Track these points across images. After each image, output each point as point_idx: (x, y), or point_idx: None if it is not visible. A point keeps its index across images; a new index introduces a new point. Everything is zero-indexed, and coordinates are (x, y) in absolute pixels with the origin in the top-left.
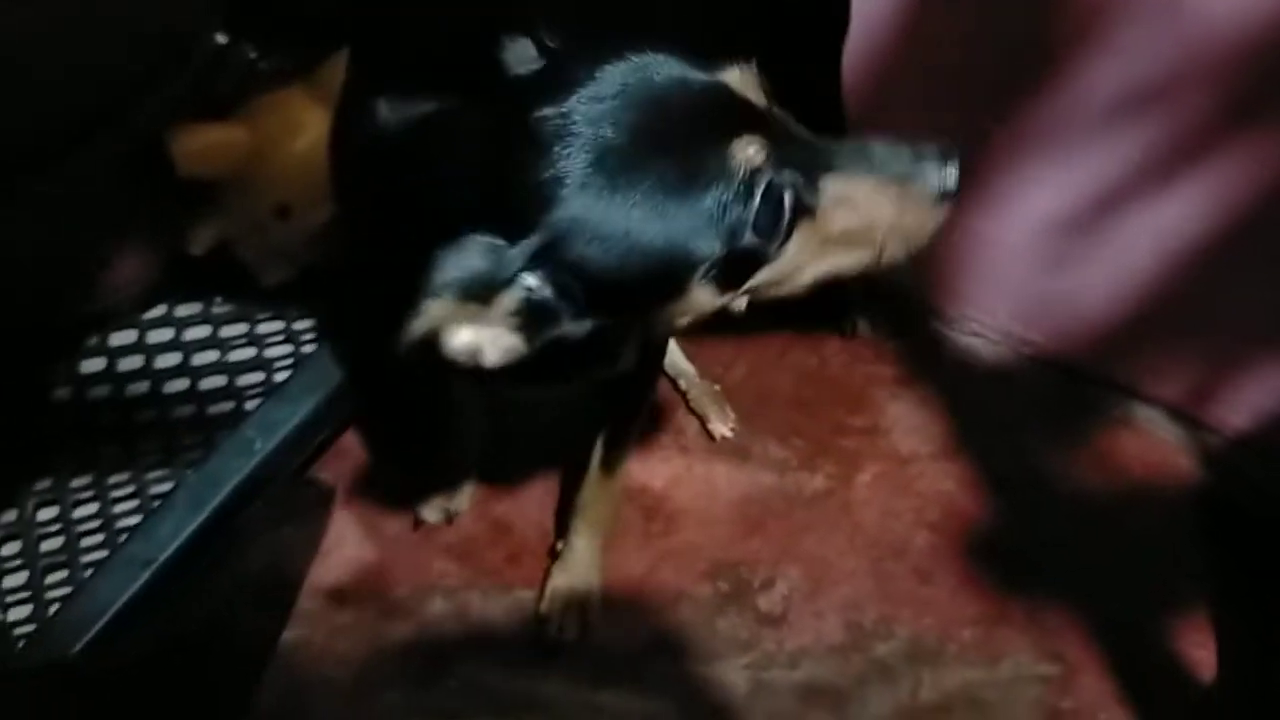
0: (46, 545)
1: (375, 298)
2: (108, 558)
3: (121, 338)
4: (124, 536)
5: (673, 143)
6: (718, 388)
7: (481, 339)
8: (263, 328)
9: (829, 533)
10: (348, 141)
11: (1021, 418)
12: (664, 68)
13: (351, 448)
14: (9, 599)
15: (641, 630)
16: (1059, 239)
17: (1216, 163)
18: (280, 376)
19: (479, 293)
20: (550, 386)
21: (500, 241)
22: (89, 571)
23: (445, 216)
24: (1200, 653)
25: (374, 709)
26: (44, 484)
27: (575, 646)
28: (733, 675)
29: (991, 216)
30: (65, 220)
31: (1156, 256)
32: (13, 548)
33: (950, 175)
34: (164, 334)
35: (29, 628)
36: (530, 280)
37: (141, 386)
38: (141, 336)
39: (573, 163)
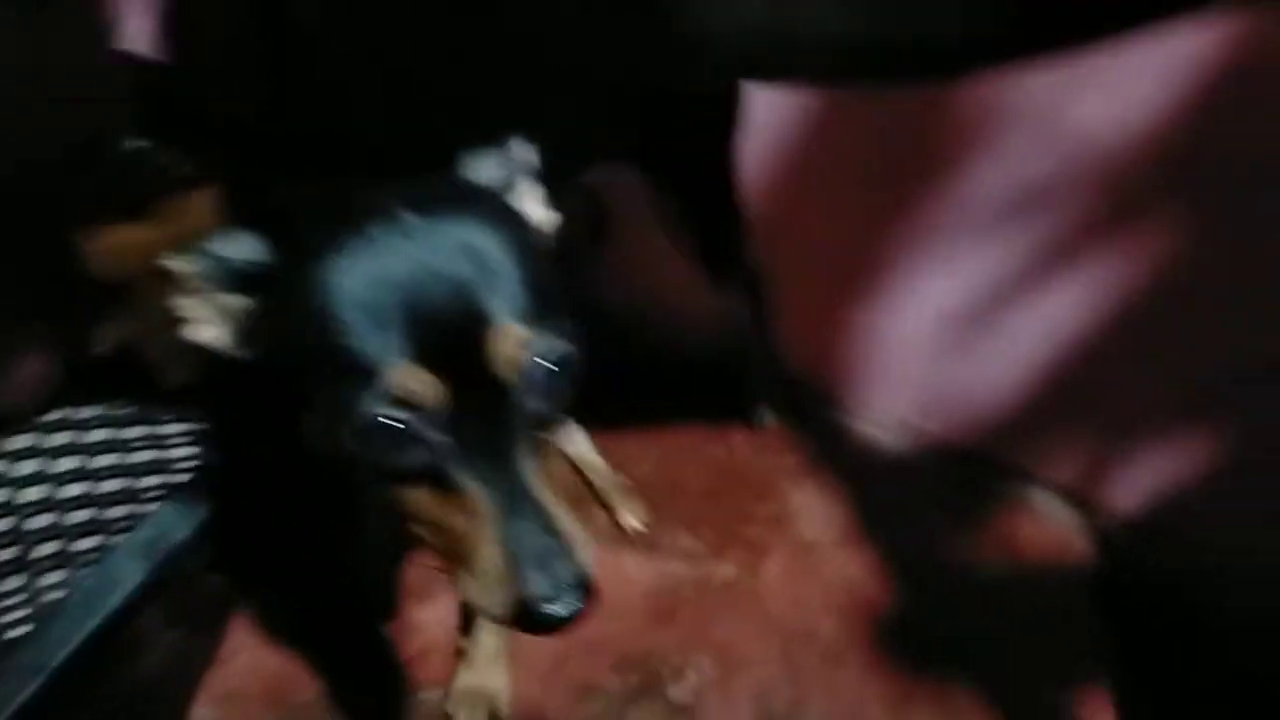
0: None
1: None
2: None
3: (18, 442)
4: (12, 646)
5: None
6: (627, 481)
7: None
8: (165, 429)
9: (739, 620)
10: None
11: (922, 503)
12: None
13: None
14: None
15: None
16: (953, 332)
17: (1096, 259)
18: (182, 478)
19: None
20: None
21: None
22: None
23: None
24: None
25: None
26: None
27: None
28: None
29: (887, 311)
30: None
31: (1044, 347)
32: None
33: (553, 612)
34: (62, 437)
35: None
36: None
37: (37, 491)
38: (39, 439)
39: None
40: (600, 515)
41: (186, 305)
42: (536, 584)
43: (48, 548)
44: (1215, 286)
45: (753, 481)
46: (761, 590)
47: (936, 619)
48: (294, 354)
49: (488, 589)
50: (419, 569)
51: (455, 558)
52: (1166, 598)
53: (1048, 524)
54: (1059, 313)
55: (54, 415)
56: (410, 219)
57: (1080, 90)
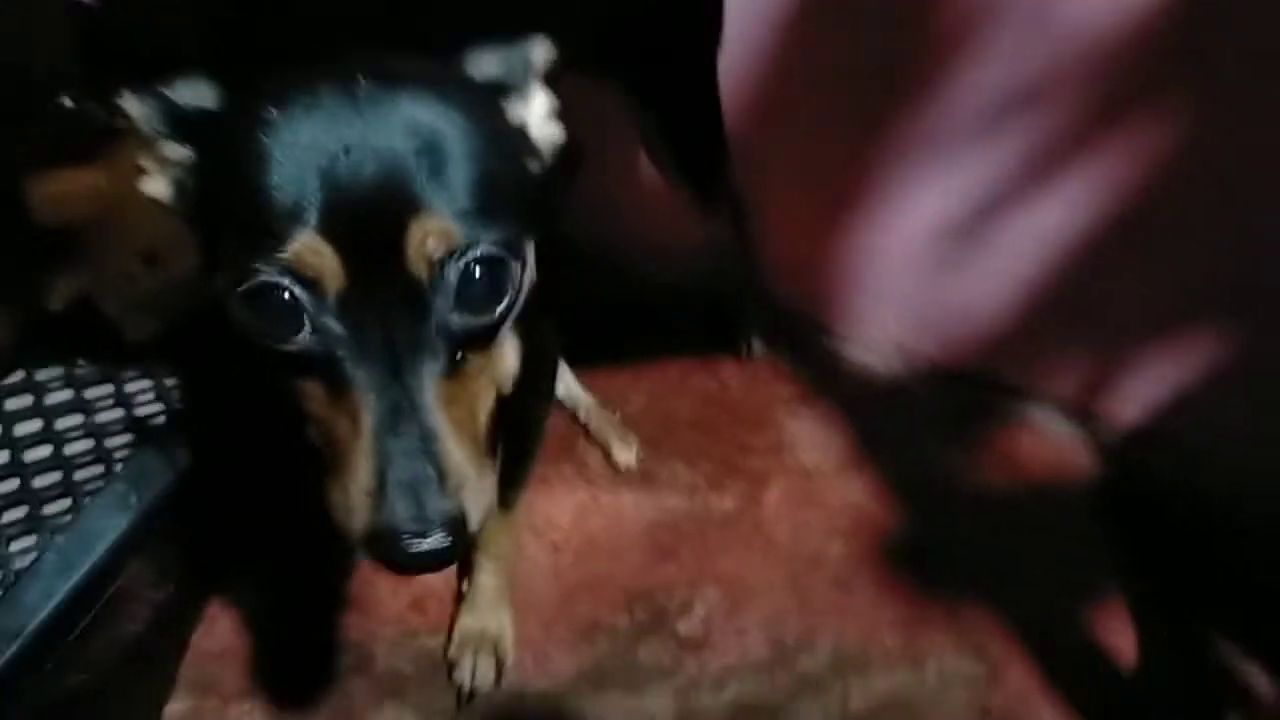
0: None
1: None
2: None
3: None
4: None
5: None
6: (618, 416)
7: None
8: (130, 386)
9: (743, 551)
10: None
11: (920, 425)
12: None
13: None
14: None
15: (559, 667)
16: (943, 247)
17: (1090, 161)
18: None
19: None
20: None
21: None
22: None
23: None
24: (1119, 640)
25: None
26: None
27: (490, 690)
28: (659, 703)
29: (876, 229)
30: None
31: (1039, 258)
32: None
33: (409, 546)
34: (23, 400)
35: None
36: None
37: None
38: None
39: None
40: (594, 453)
41: (140, 155)
42: (398, 513)
43: (15, 513)
44: (1216, 181)
45: (747, 413)
46: (764, 520)
47: (943, 540)
48: (212, 209)
49: (349, 508)
50: None
51: (333, 466)
52: (1174, 505)
53: (1049, 439)
54: (1053, 220)
55: (13, 378)
56: (365, 87)
57: None
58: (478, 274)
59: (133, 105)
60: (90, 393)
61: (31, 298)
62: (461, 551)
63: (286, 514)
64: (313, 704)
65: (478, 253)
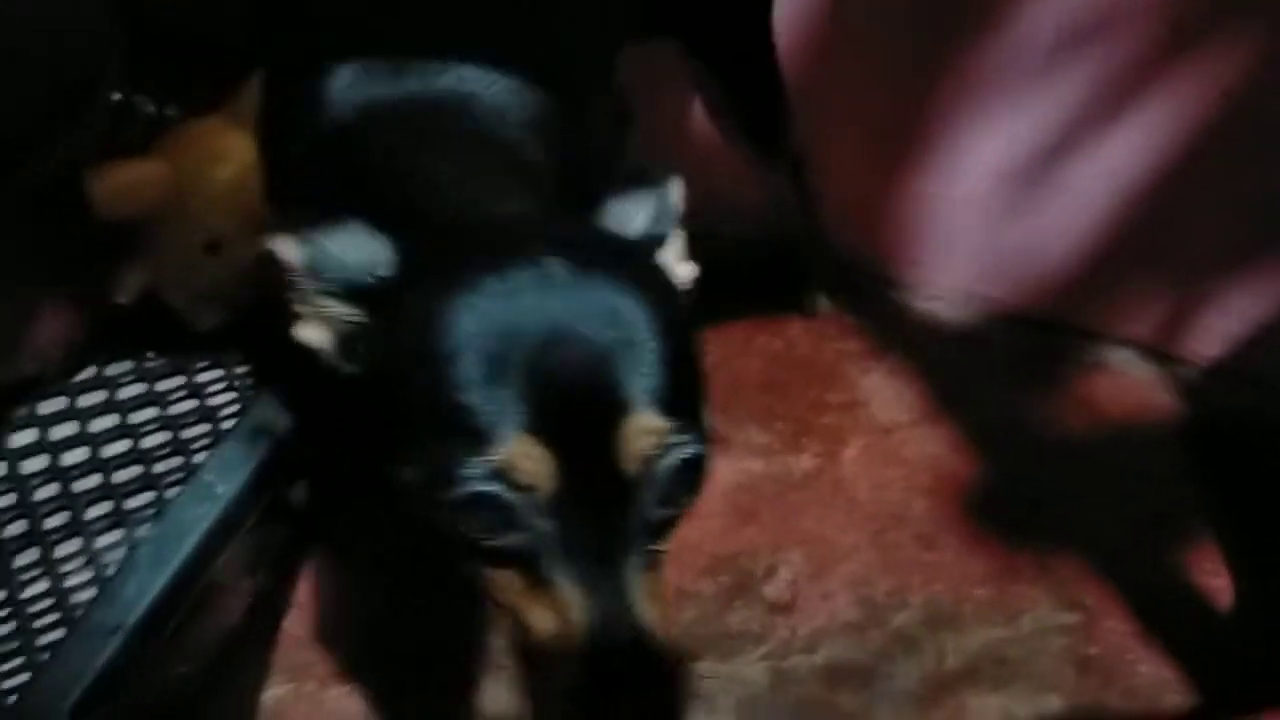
0: None
1: None
2: (68, 634)
3: (51, 405)
4: (80, 610)
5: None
6: None
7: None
8: (201, 377)
9: (825, 511)
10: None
11: (995, 374)
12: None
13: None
14: None
15: None
16: (1010, 191)
17: (1159, 95)
18: (228, 425)
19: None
20: None
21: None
22: (46, 655)
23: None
24: (1215, 580)
25: None
26: None
27: None
28: (751, 669)
29: (940, 176)
30: None
31: (1110, 196)
32: None
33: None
34: (97, 396)
35: None
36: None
37: (79, 453)
38: (73, 401)
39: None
40: None
41: (292, 300)
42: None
43: (99, 509)
44: None
45: (818, 371)
46: (844, 479)
47: (1027, 490)
48: (399, 391)
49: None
50: None
51: (530, 651)
52: (1258, 440)
53: (1128, 381)
54: (1122, 156)
55: (85, 375)
56: (556, 268)
57: None
58: (683, 468)
59: (291, 252)
60: (162, 385)
61: (99, 293)
62: None
63: (370, 496)
64: (408, 685)
65: (686, 452)
